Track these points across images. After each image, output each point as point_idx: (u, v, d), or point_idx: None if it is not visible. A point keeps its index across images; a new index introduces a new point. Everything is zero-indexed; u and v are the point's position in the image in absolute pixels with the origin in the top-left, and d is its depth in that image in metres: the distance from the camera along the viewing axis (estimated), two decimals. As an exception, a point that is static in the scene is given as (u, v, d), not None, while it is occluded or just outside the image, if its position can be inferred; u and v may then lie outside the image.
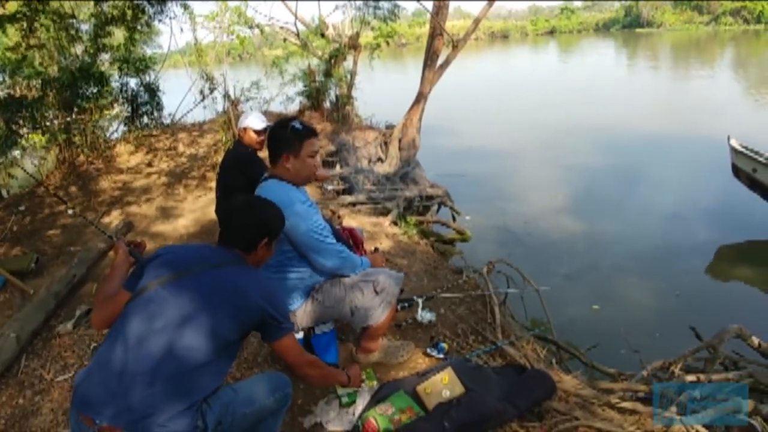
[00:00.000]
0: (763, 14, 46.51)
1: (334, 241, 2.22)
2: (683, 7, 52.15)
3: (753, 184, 5.94)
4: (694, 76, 20.22)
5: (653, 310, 4.55)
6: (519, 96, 17.39)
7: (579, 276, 5.33)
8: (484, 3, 7.23)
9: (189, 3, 8.08)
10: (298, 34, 8.91)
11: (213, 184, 5.33)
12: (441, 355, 2.64)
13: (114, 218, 4.78)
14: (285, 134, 2.13)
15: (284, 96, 8.00)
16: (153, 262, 1.59)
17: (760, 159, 5.73)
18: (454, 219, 6.71)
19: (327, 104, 7.79)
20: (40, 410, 2.51)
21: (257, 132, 3.48)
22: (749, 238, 5.98)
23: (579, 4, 68.95)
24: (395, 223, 4.95)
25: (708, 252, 5.66)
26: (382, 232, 4.50)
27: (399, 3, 7.54)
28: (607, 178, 8.50)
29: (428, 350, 2.67)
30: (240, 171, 3.43)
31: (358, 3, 7.55)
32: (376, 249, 2.40)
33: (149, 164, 5.81)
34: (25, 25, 6.28)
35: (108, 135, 7.20)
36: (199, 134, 6.84)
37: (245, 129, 3.43)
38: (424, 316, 2.93)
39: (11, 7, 6.18)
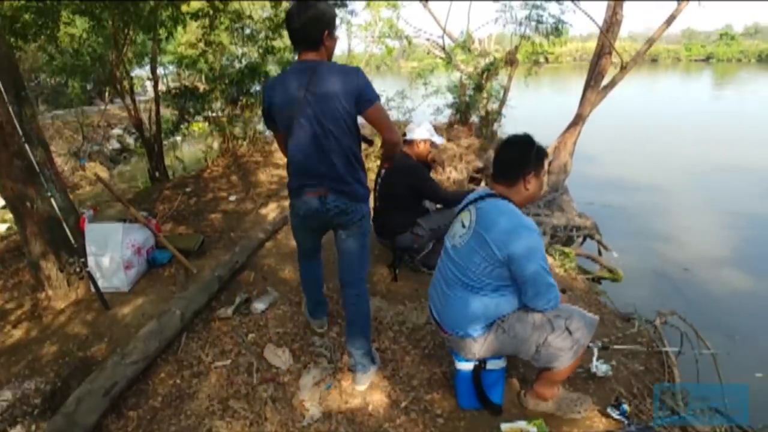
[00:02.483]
0: None
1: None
2: None
3: None
4: None
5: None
6: (670, 126, 15.84)
7: (745, 338, 4.56)
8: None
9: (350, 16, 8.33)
10: (444, 48, 8.86)
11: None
12: (622, 418, 2.30)
13: (271, 210, 4.99)
14: (528, 153, 2.04)
15: (434, 107, 7.95)
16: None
17: None
18: (600, 254, 6.16)
19: (475, 119, 7.59)
20: (197, 394, 2.57)
21: (433, 146, 3.43)
22: None
23: (740, 29, 61.86)
24: (548, 253, 4.59)
25: None
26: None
27: (564, 19, 7.10)
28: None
29: (608, 409, 2.34)
30: (408, 182, 3.37)
31: (520, 17, 7.26)
32: (564, 291, 2.14)
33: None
34: (206, 22, 6.84)
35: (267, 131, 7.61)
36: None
37: (424, 141, 3.37)
38: (600, 367, 2.59)
39: (195, 5, 6.79)
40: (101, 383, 2.40)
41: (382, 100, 8.10)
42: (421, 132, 3.43)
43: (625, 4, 6.45)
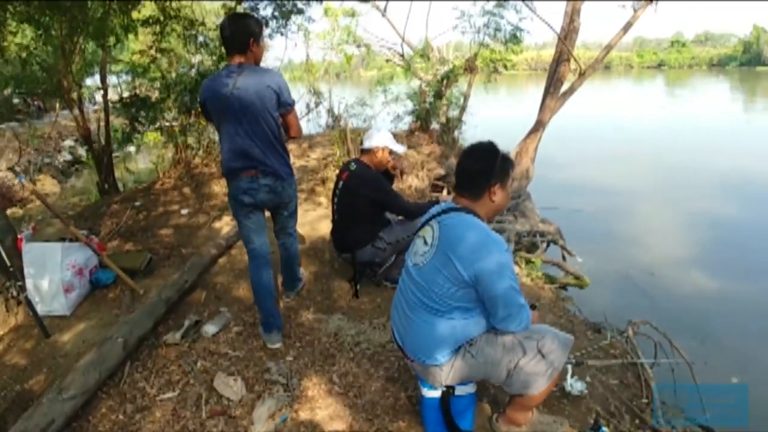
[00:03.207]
0: None
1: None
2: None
3: None
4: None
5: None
6: (625, 130, 16.32)
7: (715, 342, 4.57)
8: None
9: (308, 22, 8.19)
10: (403, 55, 8.82)
11: (321, 199, 5.18)
12: (602, 441, 2.18)
13: (225, 224, 4.73)
14: (493, 163, 1.89)
15: (393, 115, 7.85)
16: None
17: None
18: (564, 260, 6.14)
19: (436, 126, 7.51)
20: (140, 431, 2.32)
21: (393, 155, 3.29)
22: None
23: (691, 37, 64.82)
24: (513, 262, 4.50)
25: None
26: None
27: (522, 27, 7.11)
28: (743, 230, 7.49)
29: (586, 432, 2.22)
30: (368, 194, 3.21)
31: (478, 24, 7.24)
32: (534, 306, 2.01)
33: (259, 173, 5.80)
34: (157, 29, 6.55)
35: (222, 140, 7.32)
36: (309, 147, 6.79)
37: (382, 149, 3.22)
38: (574, 385, 2.47)
39: (146, 11, 6.49)
40: (37, 421, 2.19)
41: (341, 108, 8.11)
42: (380, 139, 3.27)
43: (580, 13, 6.51)
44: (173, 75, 7.02)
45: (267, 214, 2.94)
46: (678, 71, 52.77)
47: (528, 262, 4.49)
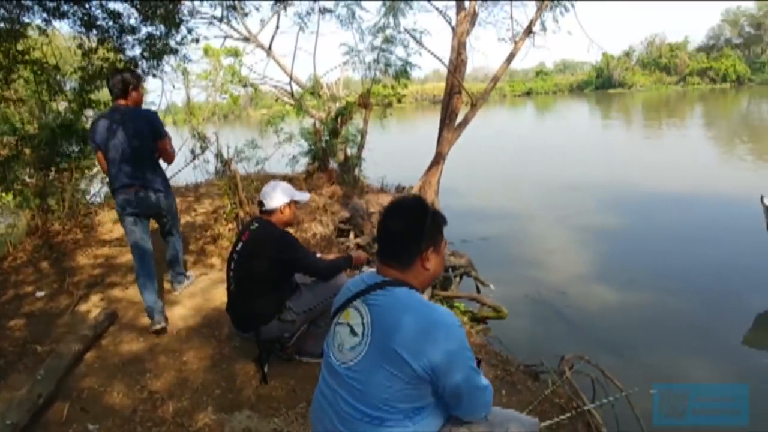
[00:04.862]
0: (728, 74, 49.23)
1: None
2: (652, 68, 54.79)
3: None
4: (674, 134, 20.61)
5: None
6: (508, 154, 17.32)
7: (630, 354, 4.62)
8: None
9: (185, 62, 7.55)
10: (292, 94, 8.48)
11: (214, 261, 4.55)
12: None
13: (93, 305, 3.88)
14: (422, 223, 1.54)
15: (288, 156, 7.37)
16: None
17: None
18: (478, 291, 6.00)
19: (334, 165, 7.16)
20: None
21: (299, 205, 2.88)
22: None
23: (551, 66, 71.99)
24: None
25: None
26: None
27: (412, 61, 7.07)
28: (629, 239, 8.00)
29: None
30: (275, 256, 2.73)
31: (368, 60, 7.09)
32: (479, 361, 1.65)
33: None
34: (1, 75, 5.60)
35: (89, 199, 6.37)
36: (195, 199, 6.05)
37: (287, 205, 2.79)
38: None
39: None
40: None
41: (231, 151, 7.46)
42: (282, 196, 2.80)
43: (465, 46, 6.61)
44: (32, 126, 6.04)
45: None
46: (544, 97, 58.35)
47: (451, 307, 4.19)
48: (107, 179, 3.58)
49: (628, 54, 57.43)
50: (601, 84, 57.80)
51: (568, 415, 2.64)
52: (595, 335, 5.10)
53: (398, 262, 1.55)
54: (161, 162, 3.62)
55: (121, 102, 3.36)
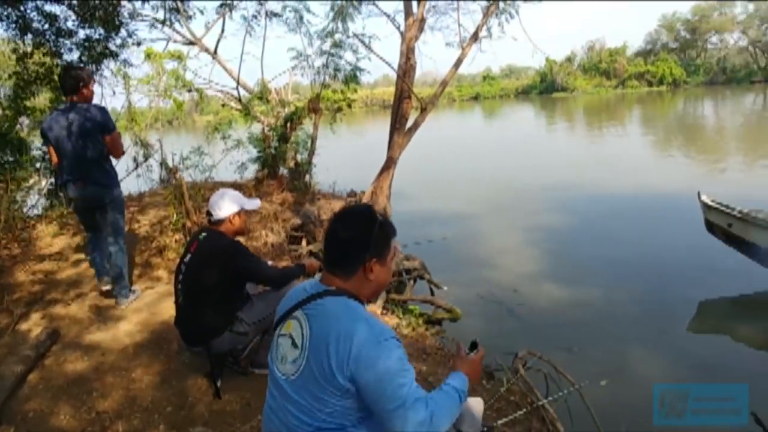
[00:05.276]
0: (665, 77, 52.17)
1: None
2: (593, 72, 57.22)
3: (729, 238, 5.99)
4: (614, 136, 21.63)
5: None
6: (458, 157, 17.67)
7: (580, 348, 4.83)
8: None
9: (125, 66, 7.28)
10: (240, 99, 8.32)
11: (161, 273, 4.41)
12: None
13: (34, 323, 3.67)
14: (369, 231, 1.52)
15: (237, 163, 7.23)
16: None
17: (735, 214, 5.79)
18: (432, 293, 6.08)
19: (285, 172, 7.07)
20: None
21: (249, 213, 2.84)
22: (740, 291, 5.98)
23: (497, 71, 73.96)
24: (387, 310, 4.21)
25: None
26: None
27: (361, 66, 7.09)
28: (575, 237, 8.36)
29: None
30: (226, 265, 2.68)
31: (317, 65, 7.06)
32: (475, 344, 1.66)
33: (77, 249, 4.72)
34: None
35: (26, 211, 6.02)
36: (138, 209, 5.82)
37: (237, 214, 2.74)
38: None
39: None
40: None
41: (176, 159, 7.24)
42: (230, 205, 2.75)
43: (414, 51, 6.70)
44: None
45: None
46: (492, 101, 59.83)
47: (405, 311, 4.23)
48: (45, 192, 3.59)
49: (570, 59, 59.62)
50: (545, 88, 59.81)
51: (524, 411, 2.72)
52: (547, 332, 5.29)
53: (342, 270, 1.55)
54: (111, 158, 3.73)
55: (71, 98, 3.51)
